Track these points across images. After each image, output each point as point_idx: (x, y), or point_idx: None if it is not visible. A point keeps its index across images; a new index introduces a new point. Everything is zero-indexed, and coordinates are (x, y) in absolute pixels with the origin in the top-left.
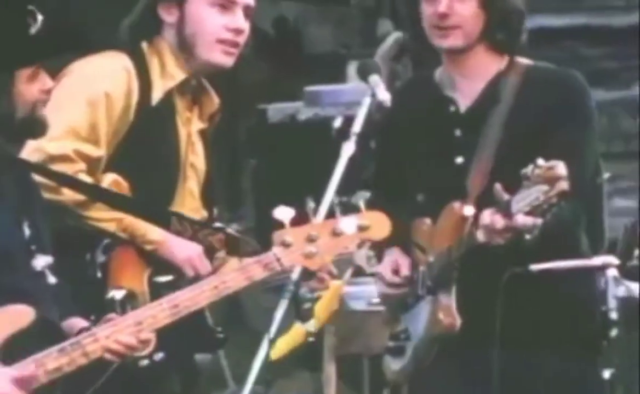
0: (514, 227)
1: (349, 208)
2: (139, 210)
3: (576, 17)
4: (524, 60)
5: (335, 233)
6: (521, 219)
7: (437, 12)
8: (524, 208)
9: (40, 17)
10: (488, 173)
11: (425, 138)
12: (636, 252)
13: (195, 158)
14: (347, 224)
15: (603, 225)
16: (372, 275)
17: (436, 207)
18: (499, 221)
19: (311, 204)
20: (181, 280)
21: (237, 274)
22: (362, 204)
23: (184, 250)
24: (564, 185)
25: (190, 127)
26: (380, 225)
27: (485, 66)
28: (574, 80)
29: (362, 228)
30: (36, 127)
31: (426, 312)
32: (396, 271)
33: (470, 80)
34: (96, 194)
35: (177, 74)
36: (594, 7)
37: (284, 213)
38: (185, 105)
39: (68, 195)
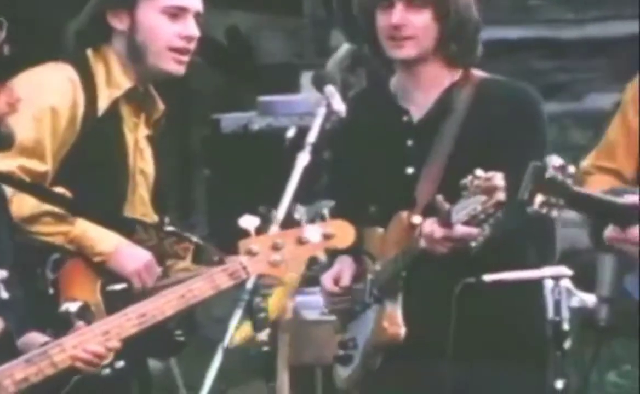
0: (454, 237)
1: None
2: (104, 218)
3: (528, 29)
4: (478, 72)
5: (301, 242)
6: (461, 229)
7: (391, 23)
8: (463, 218)
9: (5, 28)
10: (437, 184)
11: (378, 148)
12: (538, 198)
13: (144, 164)
14: (312, 232)
15: (554, 235)
16: None
17: (387, 217)
18: (439, 231)
19: (273, 213)
20: (133, 288)
21: (204, 283)
22: (326, 212)
23: (133, 261)
24: (500, 196)
25: (137, 133)
26: (344, 233)
27: (440, 77)
28: (526, 94)
29: (327, 237)
30: (3, 140)
31: (372, 320)
32: (337, 281)
33: (423, 91)
34: (64, 204)
35: (124, 83)
36: (546, 20)
37: (249, 221)
38: (132, 112)
39: (13, 211)
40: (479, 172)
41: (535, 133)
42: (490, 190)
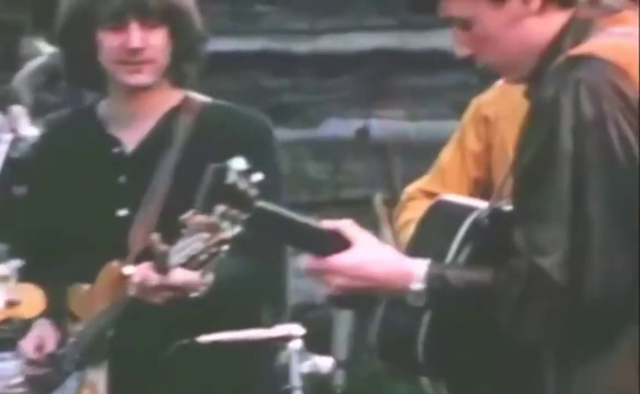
0: (171, 284)
1: None
2: None
3: (253, 41)
4: (199, 97)
5: None
6: (180, 276)
7: (128, 47)
8: (181, 260)
9: None
10: (153, 227)
11: (83, 187)
12: (219, 208)
13: None
14: None
15: (285, 288)
16: (13, 348)
17: (94, 269)
18: (153, 278)
19: None
20: None
21: None
22: (12, 275)
23: None
24: (225, 233)
25: None
26: (32, 300)
27: (160, 102)
28: (253, 120)
29: (11, 304)
30: None
31: (71, 391)
32: (40, 348)
33: (140, 118)
34: None
35: None
36: (274, 30)
37: None
38: None
39: None
40: None
41: (264, 165)
42: (213, 227)
